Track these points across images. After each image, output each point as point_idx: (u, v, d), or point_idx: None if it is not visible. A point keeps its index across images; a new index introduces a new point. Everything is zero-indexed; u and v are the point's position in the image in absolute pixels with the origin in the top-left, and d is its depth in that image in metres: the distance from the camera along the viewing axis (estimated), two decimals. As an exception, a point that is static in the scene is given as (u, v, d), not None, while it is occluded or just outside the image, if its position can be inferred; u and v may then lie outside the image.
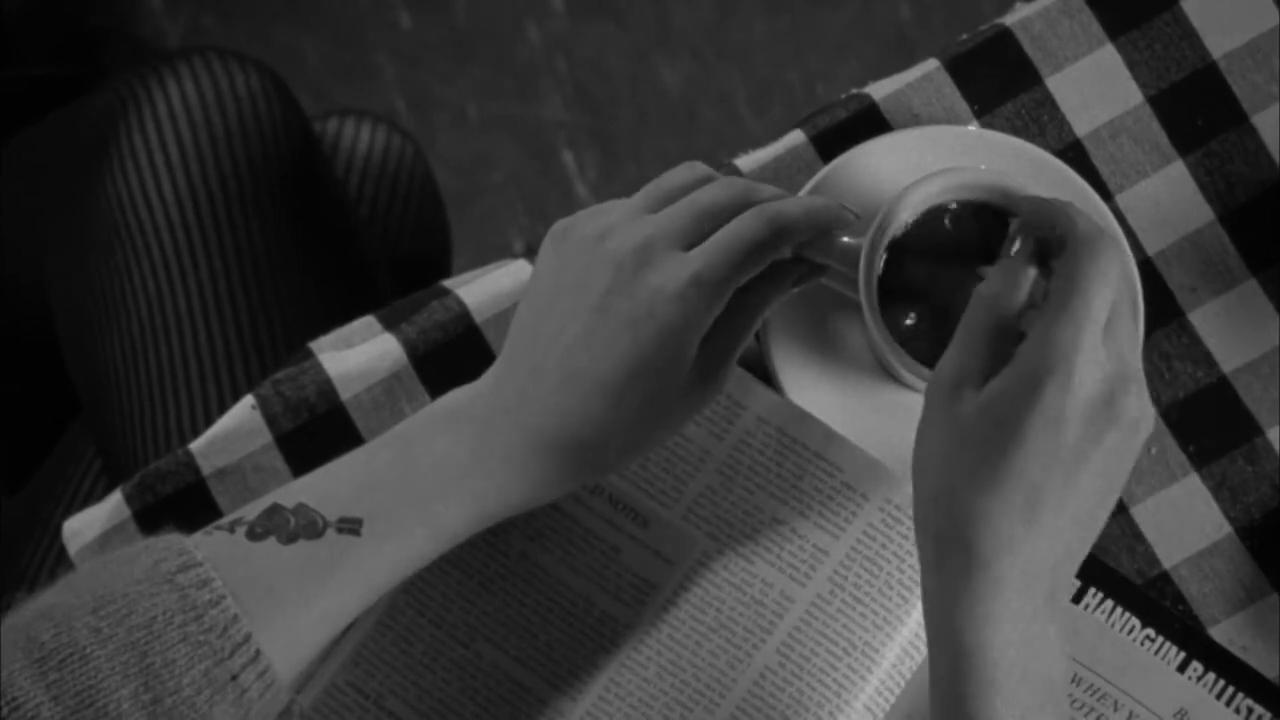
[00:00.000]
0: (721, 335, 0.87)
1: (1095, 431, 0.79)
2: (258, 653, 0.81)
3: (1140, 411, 0.80)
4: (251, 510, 0.84)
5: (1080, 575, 0.96)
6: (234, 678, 0.81)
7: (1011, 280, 0.82)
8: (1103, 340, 0.80)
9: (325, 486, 0.85)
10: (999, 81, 1.00)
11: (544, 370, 0.85)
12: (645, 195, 0.88)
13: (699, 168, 0.89)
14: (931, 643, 0.81)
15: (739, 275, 0.85)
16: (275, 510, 0.84)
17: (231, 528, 0.84)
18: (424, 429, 0.86)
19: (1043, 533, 0.79)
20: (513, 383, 0.86)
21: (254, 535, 0.83)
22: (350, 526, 0.84)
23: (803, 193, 0.96)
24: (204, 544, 0.83)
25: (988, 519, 0.79)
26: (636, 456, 0.87)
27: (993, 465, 0.79)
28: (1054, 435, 0.78)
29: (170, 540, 0.83)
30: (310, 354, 0.99)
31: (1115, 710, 0.95)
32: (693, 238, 0.86)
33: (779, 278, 0.88)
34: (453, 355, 0.98)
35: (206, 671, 0.80)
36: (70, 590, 0.82)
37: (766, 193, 0.88)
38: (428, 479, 0.85)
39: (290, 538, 0.83)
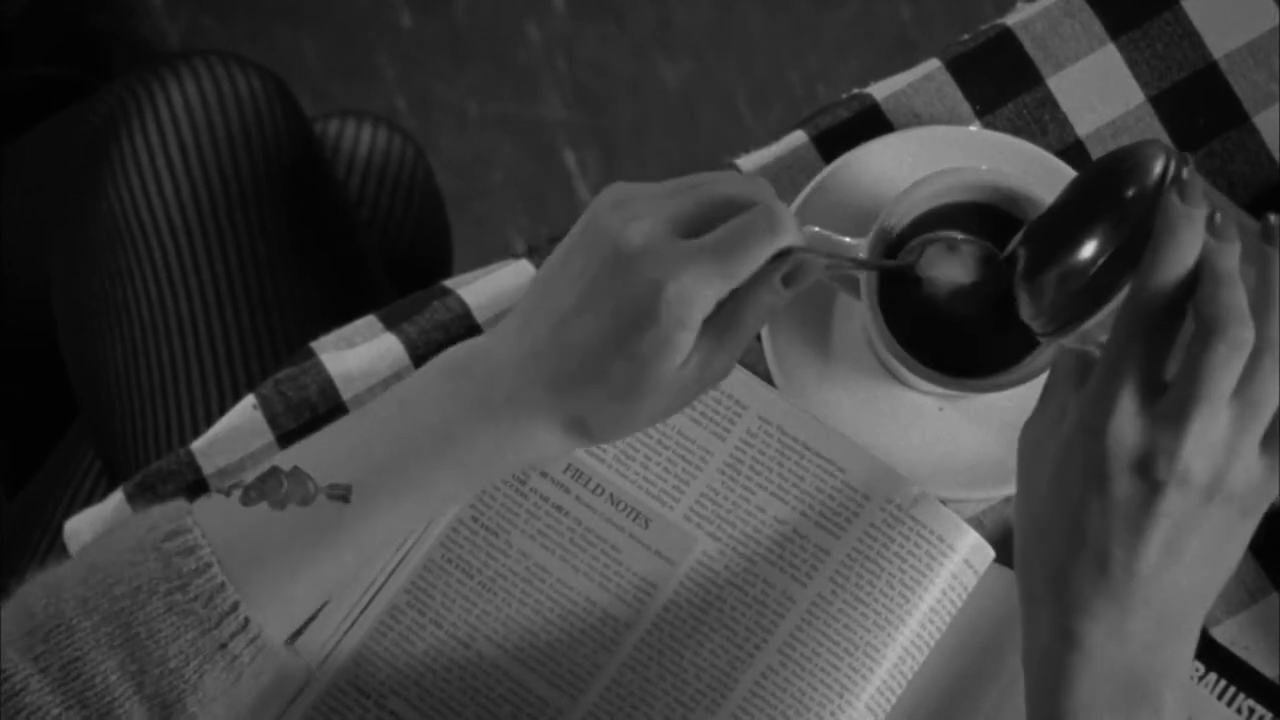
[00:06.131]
0: (718, 328, 0.84)
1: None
2: (247, 620, 0.81)
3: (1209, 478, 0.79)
4: (251, 473, 0.84)
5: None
6: (223, 646, 0.81)
7: None
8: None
9: (322, 449, 0.85)
10: (1000, 81, 1.00)
11: (540, 337, 0.84)
12: (677, 183, 0.86)
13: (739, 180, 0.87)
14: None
15: (735, 271, 0.82)
16: (272, 474, 0.84)
17: (229, 491, 0.84)
18: (423, 388, 0.85)
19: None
20: (511, 346, 0.85)
21: (248, 500, 0.83)
22: (340, 493, 0.83)
23: (805, 192, 0.96)
24: (202, 508, 0.83)
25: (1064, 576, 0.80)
26: (625, 430, 0.85)
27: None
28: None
29: (171, 507, 0.84)
30: (312, 354, 0.99)
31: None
32: (699, 225, 0.83)
33: (768, 276, 0.85)
34: (454, 355, 0.98)
35: (193, 641, 0.80)
36: (74, 558, 0.82)
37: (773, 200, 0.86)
38: (420, 440, 0.84)
39: (281, 504, 0.83)
